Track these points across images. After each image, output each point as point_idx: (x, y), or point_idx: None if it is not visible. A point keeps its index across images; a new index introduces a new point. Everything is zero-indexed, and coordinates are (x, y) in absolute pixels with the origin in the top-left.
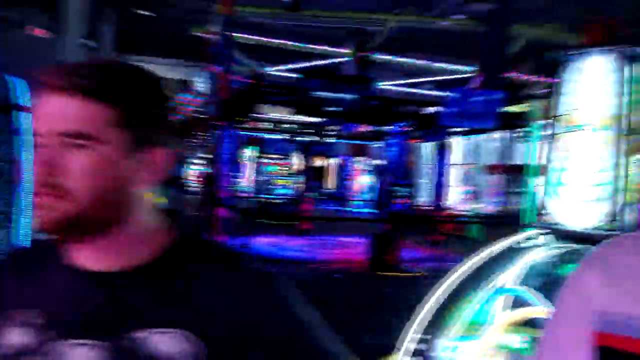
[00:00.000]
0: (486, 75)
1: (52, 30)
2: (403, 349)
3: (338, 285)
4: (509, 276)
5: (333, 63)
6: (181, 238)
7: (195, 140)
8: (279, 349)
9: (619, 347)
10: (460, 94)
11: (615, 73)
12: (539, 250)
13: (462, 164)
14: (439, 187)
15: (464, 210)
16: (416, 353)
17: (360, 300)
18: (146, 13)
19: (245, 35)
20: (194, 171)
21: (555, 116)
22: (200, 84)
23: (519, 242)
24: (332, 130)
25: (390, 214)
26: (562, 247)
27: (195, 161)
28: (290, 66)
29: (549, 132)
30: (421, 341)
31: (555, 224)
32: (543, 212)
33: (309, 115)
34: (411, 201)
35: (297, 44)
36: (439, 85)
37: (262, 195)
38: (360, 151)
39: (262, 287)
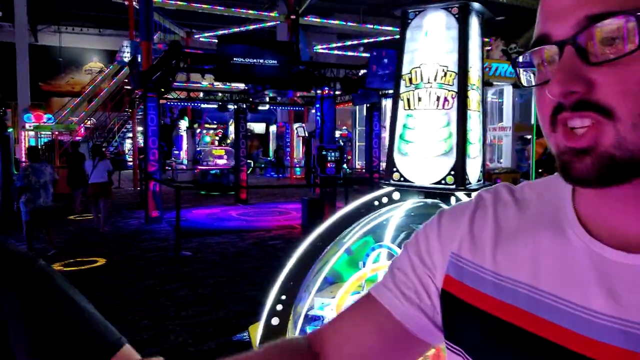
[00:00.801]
0: None
1: None
2: (267, 310)
3: (273, 252)
4: (363, 233)
5: (263, 28)
6: None
7: (126, 113)
8: (46, 324)
9: (457, 293)
10: (385, 55)
11: (451, 29)
12: (395, 207)
13: None
14: (371, 150)
15: None
16: (279, 313)
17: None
18: None
19: (170, 2)
20: (128, 145)
21: (400, 74)
22: (126, 54)
23: (374, 200)
24: (266, 97)
25: (321, 179)
26: (414, 203)
27: (129, 135)
28: (219, 32)
29: (396, 90)
30: (283, 302)
31: (405, 180)
32: (394, 169)
33: (231, 82)
34: (341, 165)
35: (224, 8)
36: (369, 48)
37: (199, 167)
38: (300, 117)
39: (23, 268)
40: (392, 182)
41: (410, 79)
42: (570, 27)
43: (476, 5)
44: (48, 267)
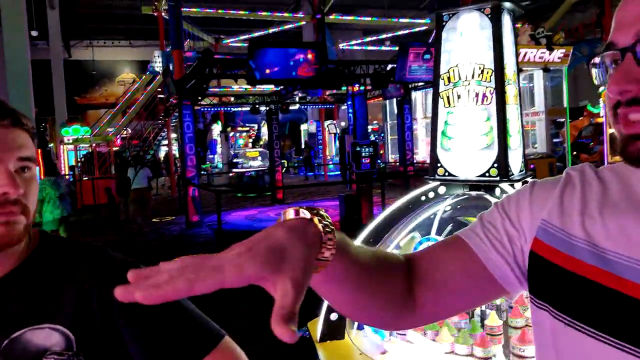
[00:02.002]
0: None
1: None
2: (326, 305)
3: None
4: (409, 229)
5: (289, 29)
6: (43, 242)
7: (160, 121)
8: (153, 324)
9: (546, 256)
10: (413, 49)
11: (485, 29)
12: (442, 200)
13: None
14: (404, 143)
15: None
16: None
17: None
18: None
19: (197, 9)
20: (163, 152)
21: (438, 74)
22: (157, 64)
23: (421, 195)
24: (296, 97)
25: (357, 175)
26: (460, 196)
27: (165, 142)
28: (247, 36)
29: (435, 89)
30: None
31: (449, 174)
32: (438, 165)
33: (262, 85)
34: (375, 160)
35: (250, 12)
36: (395, 42)
37: (235, 169)
38: (330, 115)
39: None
40: (437, 177)
41: (449, 78)
42: (632, 37)
43: (507, 4)
44: None
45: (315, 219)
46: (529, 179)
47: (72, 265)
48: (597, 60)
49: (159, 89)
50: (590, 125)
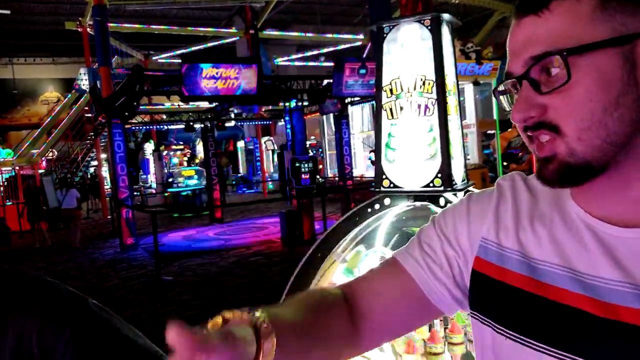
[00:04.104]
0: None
1: None
2: None
3: (256, 268)
4: (355, 243)
5: (222, 45)
6: None
7: (88, 141)
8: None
9: (487, 272)
10: (349, 64)
11: (425, 40)
12: (387, 212)
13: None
14: (342, 158)
15: (371, 176)
16: None
17: (270, 278)
18: (6, 12)
19: (125, 25)
20: (91, 173)
21: (380, 86)
22: (83, 81)
23: (367, 207)
24: (232, 113)
25: (297, 190)
26: (405, 207)
27: (93, 163)
28: (178, 52)
29: (378, 102)
30: None
31: (395, 186)
32: (383, 177)
33: (196, 102)
34: (315, 175)
35: (182, 28)
36: (332, 57)
37: (170, 189)
38: (267, 131)
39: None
40: (382, 189)
41: (391, 90)
42: (522, 65)
43: (446, 16)
44: (98, 305)
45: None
46: (470, 188)
47: (14, 303)
48: (501, 88)
49: (86, 108)
50: (519, 136)
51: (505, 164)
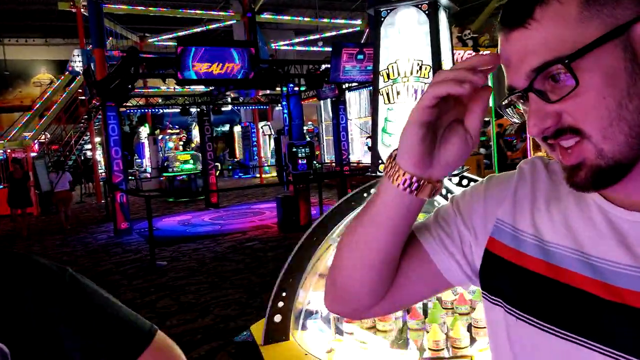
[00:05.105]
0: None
1: None
2: (269, 308)
3: (251, 253)
4: None
5: (219, 28)
6: None
7: (82, 124)
8: (87, 330)
9: (500, 253)
10: (346, 49)
11: (422, 25)
12: None
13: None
14: (340, 143)
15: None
16: (281, 310)
17: (266, 263)
18: None
19: (120, 6)
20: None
21: (377, 70)
22: (77, 63)
23: (363, 191)
24: (228, 98)
25: (294, 176)
26: None
27: (87, 146)
28: (174, 35)
29: (375, 86)
30: (284, 298)
31: None
32: (379, 161)
33: (192, 85)
34: (311, 161)
35: (178, 10)
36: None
37: (166, 174)
38: (264, 116)
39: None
40: (379, 173)
41: (388, 74)
42: (524, 79)
43: (444, 1)
44: (77, 274)
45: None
46: (465, 174)
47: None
48: (505, 102)
49: (80, 90)
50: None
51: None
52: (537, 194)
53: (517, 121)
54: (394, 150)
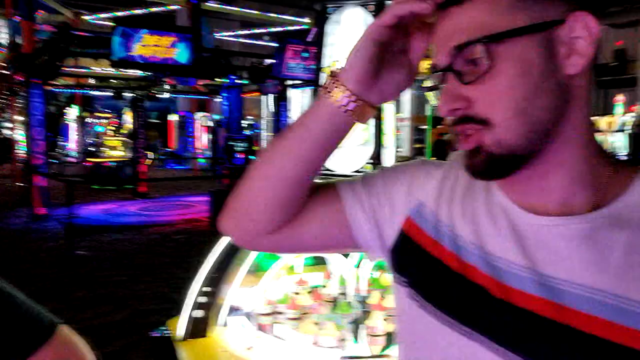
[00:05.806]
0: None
1: None
2: (191, 303)
3: (177, 247)
4: None
5: (160, 13)
6: None
7: (2, 101)
8: None
9: (414, 237)
10: (292, 45)
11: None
12: None
13: None
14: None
15: None
16: (203, 305)
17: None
18: None
19: None
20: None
21: (319, 68)
22: (1, 34)
23: None
24: (166, 85)
25: (229, 169)
26: None
27: (7, 124)
28: (112, 14)
29: (316, 83)
30: (207, 294)
31: (326, 169)
32: None
33: (129, 68)
34: (250, 155)
35: None
36: (276, 38)
37: (92, 159)
38: (202, 106)
39: None
40: None
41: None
42: (446, 56)
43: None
44: None
45: None
46: None
47: None
48: (429, 83)
49: (3, 64)
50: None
51: (435, 158)
52: (457, 187)
53: (436, 103)
54: (336, 69)
